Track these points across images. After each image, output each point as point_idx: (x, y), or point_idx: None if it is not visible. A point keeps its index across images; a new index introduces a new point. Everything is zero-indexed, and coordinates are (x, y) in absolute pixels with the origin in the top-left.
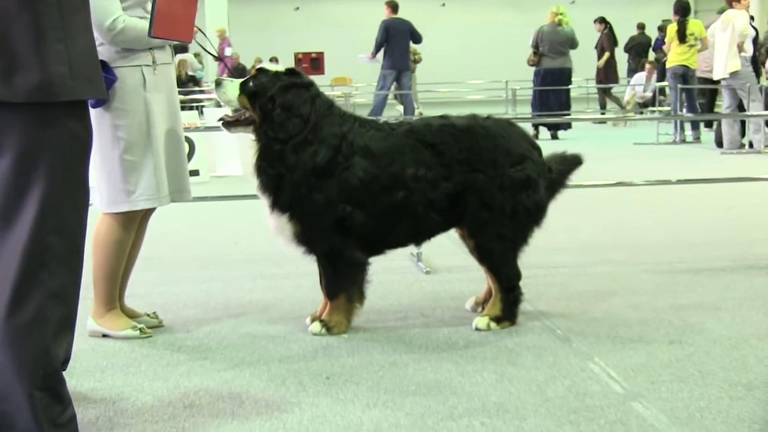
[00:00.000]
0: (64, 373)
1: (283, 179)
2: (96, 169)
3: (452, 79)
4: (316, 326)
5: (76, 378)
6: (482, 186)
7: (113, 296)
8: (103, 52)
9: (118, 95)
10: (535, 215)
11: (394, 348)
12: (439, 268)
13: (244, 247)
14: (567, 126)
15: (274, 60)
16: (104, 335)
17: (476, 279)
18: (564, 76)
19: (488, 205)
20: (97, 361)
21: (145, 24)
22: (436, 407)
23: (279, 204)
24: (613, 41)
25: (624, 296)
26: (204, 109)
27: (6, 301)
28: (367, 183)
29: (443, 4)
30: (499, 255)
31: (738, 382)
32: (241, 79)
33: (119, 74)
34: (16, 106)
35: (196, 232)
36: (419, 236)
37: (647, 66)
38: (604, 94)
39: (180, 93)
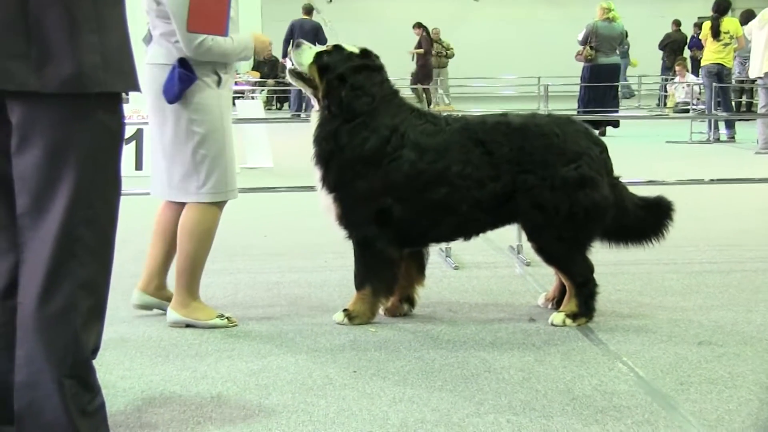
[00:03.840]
0: (93, 361)
1: (333, 157)
2: (169, 160)
3: (484, 74)
4: (339, 315)
5: (105, 367)
6: (532, 186)
7: (195, 286)
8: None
9: (196, 91)
10: (595, 214)
11: (422, 343)
12: (467, 263)
13: (273, 240)
14: (616, 123)
15: None
16: (188, 325)
17: (505, 276)
18: (617, 72)
19: (540, 206)
20: (126, 350)
21: (229, 44)
22: (463, 404)
23: (327, 181)
24: (430, 43)
25: (653, 296)
26: (236, 101)
27: (37, 291)
28: (412, 177)
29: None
30: (562, 256)
31: None
32: (320, 48)
33: (198, 72)
34: (47, 96)
35: (226, 223)
36: (464, 233)
37: (677, 68)
38: (417, 92)
39: None
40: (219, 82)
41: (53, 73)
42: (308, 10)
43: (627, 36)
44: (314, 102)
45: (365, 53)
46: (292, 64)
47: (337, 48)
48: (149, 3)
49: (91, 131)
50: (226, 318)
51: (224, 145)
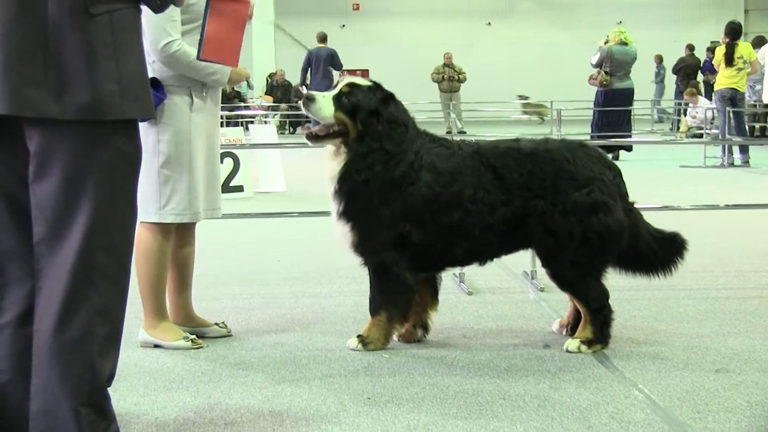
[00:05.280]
0: (108, 389)
1: (366, 186)
2: None
3: (497, 99)
4: (354, 341)
5: (119, 393)
6: (543, 212)
7: (161, 306)
8: (157, 70)
9: (166, 111)
10: (609, 239)
11: (436, 369)
12: (481, 289)
13: (286, 265)
14: (629, 147)
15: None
16: (156, 345)
17: (519, 301)
18: (631, 96)
19: (552, 231)
20: (140, 377)
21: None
22: (477, 431)
23: (346, 212)
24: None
25: (669, 322)
26: (249, 126)
27: (53, 318)
28: (429, 200)
29: (489, 24)
30: (577, 282)
31: None
32: (331, 94)
33: (169, 92)
34: (65, 123)
35: (239, 248)
36: (479, 257)
37: (686, 96)
38: None
39: (225, 109)
40: (192, 105)
41: (71, 100)
42: (322, 38)
43: (663, 60)
44: (337, 147)
45: (378, 85)
46: (307, 132)
47: (355, 86)
48: None
49: (108, 158)
50: (191, 340)
51: (189, 168)
